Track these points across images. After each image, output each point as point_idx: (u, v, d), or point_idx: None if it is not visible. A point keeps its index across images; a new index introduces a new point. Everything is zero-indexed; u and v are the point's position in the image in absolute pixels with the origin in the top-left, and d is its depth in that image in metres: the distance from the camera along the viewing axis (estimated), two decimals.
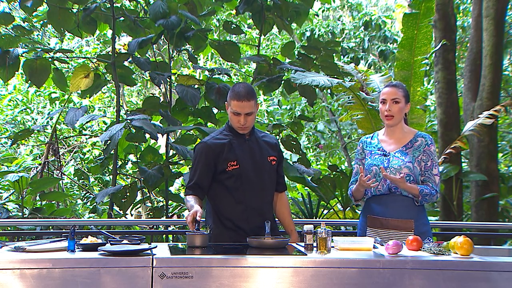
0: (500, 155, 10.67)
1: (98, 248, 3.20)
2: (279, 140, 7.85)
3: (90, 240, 3.30)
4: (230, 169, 3.82)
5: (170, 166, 7.16)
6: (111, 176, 7.92)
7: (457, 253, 3.31)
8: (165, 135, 7.14)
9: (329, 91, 7.72)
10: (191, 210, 3.64)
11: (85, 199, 9.74)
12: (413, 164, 3.84)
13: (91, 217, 8.83)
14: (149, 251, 3.19)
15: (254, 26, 9.18)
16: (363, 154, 4.07)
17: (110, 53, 7.64)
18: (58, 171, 9.14)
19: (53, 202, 8.52)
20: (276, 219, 4.12)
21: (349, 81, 7.12)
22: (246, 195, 3.83)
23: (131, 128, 6.64)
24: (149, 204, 7.93)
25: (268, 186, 3.95)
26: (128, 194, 6.85)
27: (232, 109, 3.80)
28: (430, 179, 3.86)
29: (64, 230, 5.88)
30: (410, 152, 3.88)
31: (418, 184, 3.84)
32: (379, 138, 4.06)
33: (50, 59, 7.03)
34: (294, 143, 7.52)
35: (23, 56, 6.91)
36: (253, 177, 3.85)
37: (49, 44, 11.41)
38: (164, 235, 6.51)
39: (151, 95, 11.37)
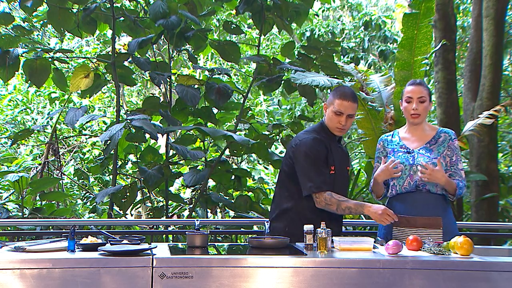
0: (500, 155, 10.66)
1: (98, 248, 3.21)
2: (279, 140, 7.85)
3: (90, 240, 3.30)
4: (330, 173, 3.80)
5: (170, 166, 7.16)
6: (111, 176, 7.92)
7: (457, 253, 3.31)
8: (165, 135, 7.14)
9: (329, 91, 7.72)
10: (363, 208, 3.64)
11: (85, 199, 9.73)
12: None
13: (91, 217, 8.82)
14: (149, 251, 3.19)
15: (254, 26, 9.18)
16: (384, 152, 4.04)
17: (110, 53, 7.64)
18: (58, 171, 9.14)
19: (53, 202, 8.52)
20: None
21: (349, 81, 7.12)
22: None
23: (131, 128, 6.63)
24: (149, 204, 7.94)
25: (346, 195, 3.94)
26: (128, 194, 6.85)
27: (335, 108, 3.79)
28: (457, 173, 3.85)
29: (64, 230, 5.87)
30: (435, 149, 3.88)
31: None
32: (400, 135, 4.03)
33: (50, 59, 7.03)
34: None
35: (23, 56, 6.91)
36: (340, 185, 3.85)
37: (49, 44, 11.41)
38: (164, 235, 6.50)
39: (151, 95, 11.37)
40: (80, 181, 9.89)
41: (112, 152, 6.87)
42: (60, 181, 8.80)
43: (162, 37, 7.43)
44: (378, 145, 4.12)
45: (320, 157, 3.78)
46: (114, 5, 7.17)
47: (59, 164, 9.19)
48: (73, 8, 7.14)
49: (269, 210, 4.10)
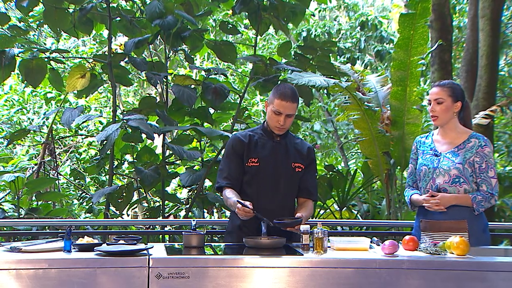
0: (496, 155, 10.70)
1: (95, 248, 3.20)
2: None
3: (86, 240, 3.30)
4: (250, 165, 3.85)
5: (167, 166, 7.15)
6: (107, 176, 7.90)
7: (453, 253, 3.32)
8: (161, 135, 7.13)
9: (325, 91, 7.72)
10: (234, 206, 3.66)
11: (81, 199, 9.71)
12: (463, 165, 3.77)
13: (87, 217, 8.81)
14: (145, 251, 3.19)
15: (251, 26, 9.17)
16: (417, 154, 4.03)
17: (106, 53, 7.62)
18: (54, 171, 9.11)
19: (49, 202, 8.49)
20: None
21: (346, 81, 7.13)
22: (259, 194, 3.83)
23: (128, 128, 6.63)
24: (146, 204, 7.92)
25: (285, 191, 3.91)
26: (124, 194, 6.84)
27: (274, 108, 3.82)
28: (486, 181, 3.78)
29: (60, 230, 5.86)
30: (461, 153, 3.81)
31: (471, 185, 3.78)
32: (433, 138, 4.00)
33: (46, 59, 7.01)
34: None
35: (19, 56, 6.88)
36: (270, 179, 3.85)
37: (45, 44, 11.40)
38: (160, 235, 6.50)
39: (147, 95, 11.35)
40: (76, 181, 9.87)
41: (108, 152, 6.86)
42: (56, 181, 8.78)
43: (159, 37, 7.42)
44: (413, 146, 4.11)
45: (229, 153, 3.94)
46: (110, 5, 7.15)
47: (55, 164, 9.17)
48: (69, 8, 7.12)
49: None
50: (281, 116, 3.82)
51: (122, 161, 8.01)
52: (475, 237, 3.69)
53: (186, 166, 7.96)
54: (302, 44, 9.59)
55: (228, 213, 7.93)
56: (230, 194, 3.79)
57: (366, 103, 6.91)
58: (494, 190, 3.80)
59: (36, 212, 7.25)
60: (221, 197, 3.98)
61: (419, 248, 3.45)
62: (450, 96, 3.85)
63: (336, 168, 8.64)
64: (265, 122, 4.01)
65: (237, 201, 3.60)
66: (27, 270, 2.97)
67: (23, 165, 9.44)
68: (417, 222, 3.99)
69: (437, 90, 3.89)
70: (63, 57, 7.83)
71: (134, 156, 7.35)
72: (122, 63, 7.34)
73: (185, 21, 7.09)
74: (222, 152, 7.53)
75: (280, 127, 3.86)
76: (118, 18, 7.35)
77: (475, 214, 3.77)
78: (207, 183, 7.94)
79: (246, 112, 8.05)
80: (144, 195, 7.71)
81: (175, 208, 8.08)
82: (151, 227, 6.91)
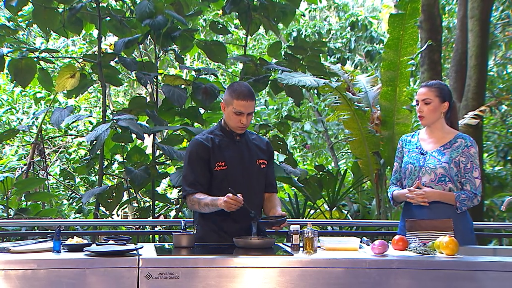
0: (485, 155, 10.74)
1: (84, 248, 3.19)
2: None
3: (75, 240, 3.29)
4: (218, 169, 3.77)
5: (157, 166, 7.14)
6: (97, 176, 7.88)
7: (442, 253, 3.33)
8: (151, 135, 7.12)
9: (315, 91, 7.73)
10: (216, 201, 3.56)
11: (71, 199, 9.69)
12: (449, 164, 3.78)
13: (77, 217, 8.78)
14: (135, 252, 3.18)
15: (241, 26, 9.18)
16: (402, 153, 4.03)
17: (96, 53, 7.61)
18: (43, 172, 9.08)
19: (39, 202, 8.47)
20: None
21: (336, 81, 7.14)
22: None
23: (117, 128, 6.61)
24: (136, 205, 7.91)
25: (256, 189, 3.88)
26: (114, 194, 6.82)
27: (235, 109, 3.75)
28: (470, 181, 3.78)
29: (49, 231, 5.83)
30: (447, 153, 3.82)
31: (455, 184, 3.79)
32: (419, 137, 4.01)
33: (35, 59, 6.99)
34: (281, 143, 7.51)
35: (8, 56, 6.86)
36: (240, 180, 3.78)
37: (34, 44, 11.34)
38: (150, 236, 6.49)
39: (137, 95, 11.33)
40: (66, 181, 9.84)
41: (98, 152, 6.84)
42: (46, 182, 8.75)
43: (149, 37, 7.41)
44: (398, 145, 4.11)
45: (192, 159, 3.80)
46: (100, 4, 7.14)
47: (45, 165, 9.13)
48: (58, 8, 7.10)
49: None
50: (243, 116, 3.76)
51: (112, 161, 7.99)
52: (461, 237, 3.69)
53: (176, 166, 7.95)
54: (292, 44, 9.61)
55: None
56: (201, 196, 3.69)
57: (356, 103, 6.92)
58: (478, 190, 3.80)
59: (25, 213, 7.22)
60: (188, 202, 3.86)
61: (409, 248, 3.46)
62: (437, 97, 3.87)
63: (326, 168, 8.66)
64: (222, 122, 3.92)
65: (229, 189, 3.50)
66: (16, 271, 2.95)
67: (12, 165, 9.41)
68: (402, 222, 3.99)
69: (424, 91, 3.90)
70: (53, 57, 7.81)
71: (124, 156, 7.33)
72: (112, 63, 7.33)
73: (175, 21, 7.09)
74: None
75: (242, 126, 3.81)
76: (108, 18, 7.34)
77: (457, 213, 3.79)
78: None
79: None
80: (134, 195, 7.70)
81: (165, 208, 8.08)
82: (141, 227, 6.90)
